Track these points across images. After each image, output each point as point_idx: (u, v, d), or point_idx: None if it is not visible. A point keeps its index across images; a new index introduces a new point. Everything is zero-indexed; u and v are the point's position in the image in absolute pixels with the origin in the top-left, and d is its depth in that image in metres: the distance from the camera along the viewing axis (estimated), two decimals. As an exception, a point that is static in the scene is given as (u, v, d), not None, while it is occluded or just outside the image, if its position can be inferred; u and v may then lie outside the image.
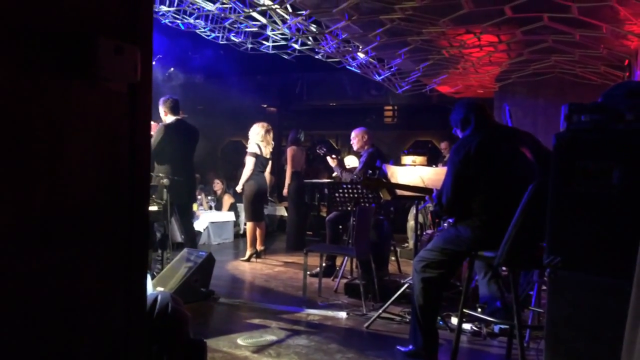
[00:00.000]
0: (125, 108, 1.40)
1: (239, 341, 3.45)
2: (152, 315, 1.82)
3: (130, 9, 1.38)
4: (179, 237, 6.32)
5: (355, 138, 5.75)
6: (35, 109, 1.20)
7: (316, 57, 6.55)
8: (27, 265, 1.17)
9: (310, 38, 5.70)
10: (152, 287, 3.15)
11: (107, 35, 1.31)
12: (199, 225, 7.78)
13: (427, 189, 3.44)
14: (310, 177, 9.31)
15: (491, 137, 3.08)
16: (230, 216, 8.47)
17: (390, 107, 12.28)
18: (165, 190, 4.71)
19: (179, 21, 5.93)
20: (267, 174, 6.82)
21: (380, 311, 3.96)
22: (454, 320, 3.71)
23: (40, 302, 1.21)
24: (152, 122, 5.34)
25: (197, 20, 5.86)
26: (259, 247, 6.67)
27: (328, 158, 5.83)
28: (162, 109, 5.28)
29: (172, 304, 1.97)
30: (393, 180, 3.74)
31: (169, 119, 5.24)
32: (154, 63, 9.24)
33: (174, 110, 5.28)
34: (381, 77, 6.87)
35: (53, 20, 1.24)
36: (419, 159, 5.16)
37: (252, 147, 6.54)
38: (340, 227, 5.84)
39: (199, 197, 8.63)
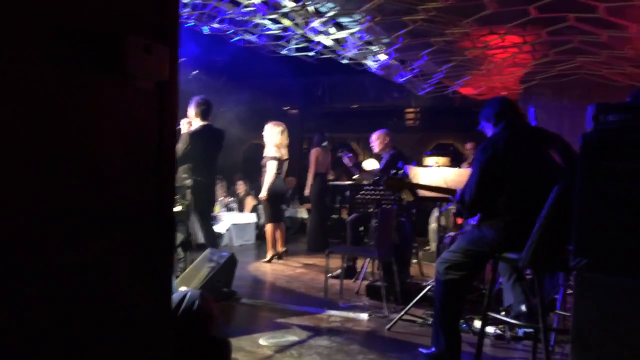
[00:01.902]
0: (153, 106, 1.42)
1: (261, 341, 3.46)
2: (177, 313, 1.85)
3: (158, 9, 1.40)
4: (201, 238, 6.37)
5: (377, 140, 5.73)
6: (69, 106, 1.23)
7: (339, 60, 6.55)
8: (59, 259, 1.19)
9: (332, 40, 5.70)
10: (175, 286, 3.18)
11: (136, 34, 1.33)
12: (221, 227, 7.84)
13: (450, 189, 3.41)
14: (332, 179, 9.32)
15: (520, 137, 3.05)
16: (252, 218, 8.53)
17: (412, 110, 12.21)
18: (188, 191, 4.76)
19: (202, 24, 6.00)
20: (283, 176, 6.81)
21: (402, 313, 3.94)
22: (477, 324, 3.67)
23: (71, 295, 1.23)
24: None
25: (221, 25, 5.91)
26: (279, 249, 6.69)
27: (345, 157, 5.83)
28: (193, 110, 5.24)
29: (199, 302, 1.99)
30: (415, 182, 3.72)
31: (196, 123, 5.22)
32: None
33: (204, 114, 5.25)
34: (403, 79, 6.85)
35: (85, 19, 1.27)
36: (442, 160, 5.14)
37: (270, 150, 6.50)
38: (362, 228, 5.83)
39: (221, 198, 8.71)
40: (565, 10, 4.16)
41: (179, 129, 5.18)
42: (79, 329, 1.25)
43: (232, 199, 8.94)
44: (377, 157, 6.14)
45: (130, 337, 1.39)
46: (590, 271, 2.22)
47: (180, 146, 5.03)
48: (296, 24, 5.18)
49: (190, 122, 5.21)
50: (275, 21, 5.46)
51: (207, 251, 4.75)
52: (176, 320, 1.77)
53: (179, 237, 5.37)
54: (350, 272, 5.67)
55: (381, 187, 4.89)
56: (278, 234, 6.68)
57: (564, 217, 2.40)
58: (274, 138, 6.52)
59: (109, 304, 1.33)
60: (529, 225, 2.72)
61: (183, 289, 4.27)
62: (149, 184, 1.42)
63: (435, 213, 6.26)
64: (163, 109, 1.45)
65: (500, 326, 3.69)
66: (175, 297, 2.02)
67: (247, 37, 6.20)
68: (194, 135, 5.10)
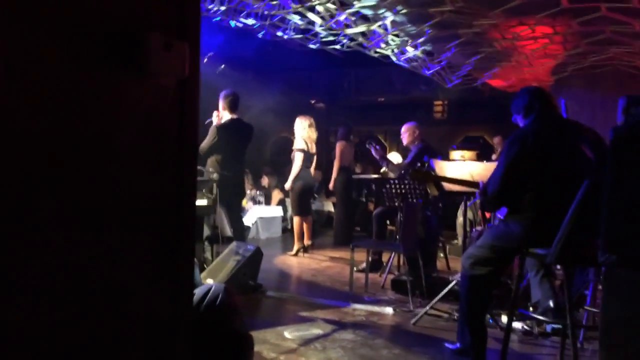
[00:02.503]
0: (174, 103, 1.44)
1: (286, 334, 3.49)
2: (200, 307, 1.87)
3: (178, 6, 1.42)
4: (228, 231, 6.44)
5: (406, 132, 5.70)
6: (90, 101, 1.25)
7: (365, 52, 6.52)
8: (75, 252, 1.22)
9: (358, 33, 5.67)
10: (200, 280, 3.22)
11: (157, 31, 1.35)
12: (248, 219, 7.92)
13: (476, 182, 3.37)
14: (358, 172, 9.31)
15: (550, 130, 2.98)
16: (278, 211, 8.58)
17: (439, 102, 12.06)
18: (215, 184, 4.82)
19: (230, 20, 6.03)
20: (312, 169, 6.84)
21: (428, 307, 3.92)
22: (504, 319, 3.62)
23: (88, 288, 1.26)
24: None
25: (248, 19, 5.94)
26: (306, 242, 6.72)
27: (372, 149, 5.81)
28: (221, 103, 5.31)
29: (223, 296, 2.01)
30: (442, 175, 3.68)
31: (225, 116, 5.28)
32: (205, 61, 9.47)
33: (232, 107, 5.29)
34: (430, 72, 6.77)
35: (106, 17, 1.29)
36: (468, 154, 5.07)
37: (298, 142, 6.58)
38: (388, 222, 5.80)
39: (248, 192, 8.78)
40: (596, 0, 4.05)
41: (210, 122, 5.25)
42: (95, 322, 1.29)
43: (259, 192, 9.00)
44: (406, 149, 6.10)
45: (149, 331, 1.41)
46: (619, 267, 2.17)
47: (208, 139, 5.10)
48: (322, 17, 5.17)
49: (220, 115, 5.26)
50: (301, 15, 5.46)
51: (233, 244, 4.80)
52: (198, 314, 1.80)
53: (206, 230, 5.46)
54: (376, 265, 5.67)
55: (407, 181, 4.85)
56: (305, 227, 6.71)
57: (593, 212, 2.34)
58: (301, 131, 6.60)
59: (127, 298, 1.35)
60: (556, 220, 2.67)
61: (210, 282, 4.35)
62: (170, 179, 1.44)
63: (463, 207, 6.19)
64: (184, 105, 1.46)
65: (528, 322, 3.64)
66: (199, 291, 2.05)
67: (274, 31, 6.22)
68: (222, 128, 5.15)
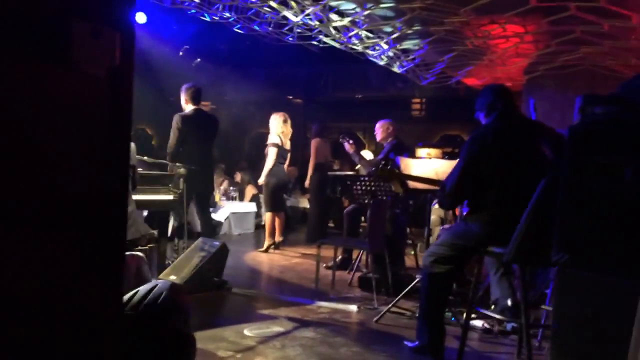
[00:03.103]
0: (104, 93, 1.38)
1: (246, 331, 3.44)
2: (140, 305, 1.82)
3: (106, -9, 1.36)
4: (199, 227, 6.37)
5: (380, 129, 5.69)
6: (10, 92, 1.19)
7: (341, 49, 6.48)
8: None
9: (331, 29, 5.63)
10: (149, 277, 3.12)
11: (82, 18, 1.29)
12: (220, 215, 7.85)
13: (439, 181, 3.36)
14: (335, 169, 9.27)
15: (510, 129, 2.98)
16: (251, 207, 8.52)
17: (417, 100, 12.10)
18: (182, 179, 4.74)
19: (203, 12, 5.95)
20: (285, 165, 6.79)
21: (390, 306, 3.90)
22: (466, 318, 3.62)
23: (14, 291, 1.20)
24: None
25: (223, 12, 5.86)
26: (277, 238, 6.68)
27: (345, 143, 5.78)
28: (183, 97, 5.26)
29: (167, 294, 1.95)
30: (406, 173, 3.66)
31: (188, 107, 5.24)
32: (180, 54, 9.33)
33: (194, 99, 5.26)
34: (404, 69, 6.76)
35: (27, 2, 1.22)
36: (434, 151, 5.07)
37: (273, 138, 6.54)
38: (363, 219, 5.78)
39: (221, 187, 8.71)
40: (566, -1, 4.07)
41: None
42: (22, 324, 1.23)
43: (232, 187, 8.92)
44: (380, 146, 6.08)
45: (76, 330, 1.36)
46: (572, 267, 2.17)
47: (173, 130, 5.03)
48: (294, 13, 5.12)
49: (183, 108, 5.22)
50: (274, 9, 5.40)
51: (199, 240, 4.73)
52: (137, 312, 1.74)
53: (173, 225, 5.38)
54: (346, 263, 5.65)
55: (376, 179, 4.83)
56: (277, 223, 6.67)
57: (550, 212, 2.34)
58: (276, 127, 6.57)
59: (52, 297, 1.30)
60: (515, 219, 2.67)
61: (173, 278, 4.28)
62: (99, 175, 1.38)
63: (435, 204, 6.21)
64: (116, 97, 1.40)
65: (489, 320, 3.65)
66: (143, 288, 1.99)
67: (249, 24, 6.15)
68: (185, 118, 5.08)
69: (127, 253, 2.72)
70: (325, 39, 6.13)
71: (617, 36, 4.73)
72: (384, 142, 5.74)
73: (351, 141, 5.90)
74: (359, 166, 6.56)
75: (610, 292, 2.07)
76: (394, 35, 5.48)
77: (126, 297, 1.97)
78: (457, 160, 3.01)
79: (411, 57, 6.44)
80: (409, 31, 5.20)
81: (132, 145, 3.74)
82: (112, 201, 1.42)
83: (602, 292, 2.09)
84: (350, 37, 5.73)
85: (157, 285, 2.02)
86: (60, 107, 1.31)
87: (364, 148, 10.81)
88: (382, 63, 6.73)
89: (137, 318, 1.72)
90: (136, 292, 1.96)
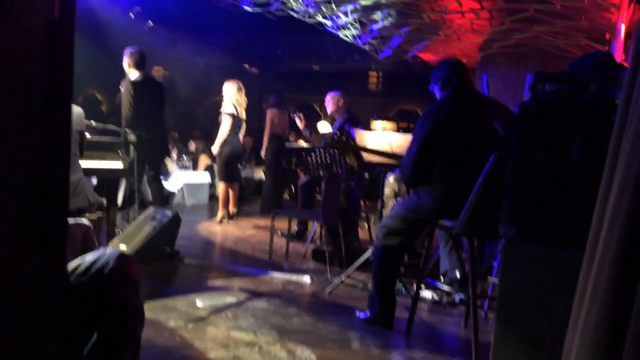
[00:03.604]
0: (42, 49, 1.29)
1: (198, 302, 3.41)
2: (85, 274, 1.75)
3: (44, -61, 1.26)
4: (151, 196, 6.22)
5: (330, 101, 5.65)
6: None
7: (297, 17, 6.37)
8: None
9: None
10: (95, 245, 3.04)
11: (17, -33, 1.19)
12: (173, 185, 7.70)
13: (395, 155, 3.38)
14: (291, 140, 9.21)
15: (464, 104, 3.01)
16: (205, 177, 8.38)
17: (374, 74, 12.12)
18: (132, 146, 4.59)
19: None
20: (241, 135, 6.69)
21: (343, 277, 3.94)
22: (416, 289, 3.70)
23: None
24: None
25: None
26: (231, 209, 6.62)
27: (296, 118, 5.74)
28: (126, 61, 5.06)
29: (114, 264, 1.89)
30: (361, 145, 3.66)
31: (133, 73, 5.03)
32: (131, 16, 8.95)
33: (139, 64, 5.06)
34: (362, 42, 6.72)
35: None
36: (389, 124, 5.10)
37: (227, 106, 6.38)
38: (318, 190, 5.78)
39: (174, 155, 8.51)
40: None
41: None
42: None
43: (186, 157, 8.74)
44: (332, 119, 6.06)
45: (14, 301, 1.29)
46: (518, 240, 2.23)
47: (125, 95, 4.86)
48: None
49: (127, 72, 5.03)
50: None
51: (150, 209, 4.62)
52: (81, 283, 1.68)
53: (124, 193, 5.23)
54: (301, 235, 5.67)
55: (332, 151, 4.83)
56: (231, 194, 6.59)
57: (499, 186, 2.39)
58: (230, 95, 6.40)
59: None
60: (465, 193, 2.71)
61: (123, 247, 4.18)
62: (36, 139, 1.30)
63: (388, 178, 6.28)
64: (54, 52, 1.31)
65: (438, 292, 3.74)
66: (89, 258, 1.92)
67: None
68: (135, 85, 4.90)
69: (73, 221, 2.63)
70: (283, 7, 6.01)
71: (568, 16, 4.83)
72: (335, 116, 5.71)
73: (301, 115, 5.85)
74: (308, 138, 6.52)
75: (555, 265, 2.14)
76: (351, 6, 5.42)
77: (71, 266, 1.90)
78: (412, 135, 3.03)
79: (368, 29, 6.39)
80: (368, 2, 5.15)
81: (79, 109, 3.58)
82: (51, 167, 1.34)
83: (547, 266, 2.16)
84: (307, 7, 5.63)
85: (104, 254, 1.95)
86: (-6, 63, 1.22)
87: (320, 119, 10.77)
88: (340, 34, 6.65)
89: (82, 288, 1.66)
90: (82, 261, 1.90)
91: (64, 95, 1.37)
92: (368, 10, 5.53)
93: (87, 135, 4.02)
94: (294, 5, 5.74)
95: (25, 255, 1.33)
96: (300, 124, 5.73)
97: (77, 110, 3.52)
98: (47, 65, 1.31)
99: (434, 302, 3.75)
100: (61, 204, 1.40)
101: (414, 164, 2.93)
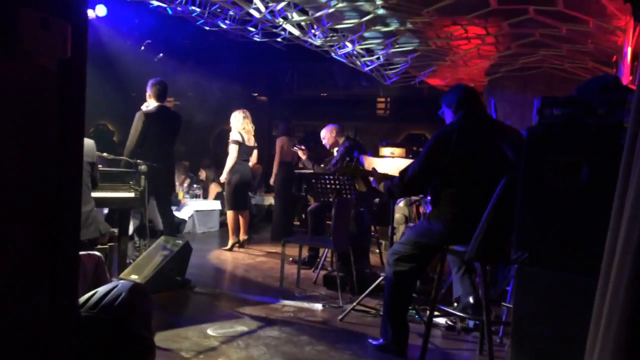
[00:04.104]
0: (54, 86, 1.32)
1: (209, 331, 3.39)
2: (97, 306, 1.76)
3: (58, -18, 1.30)
4: (162, 225, 6.24)
5: (325, 137, 5.72)
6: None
7: (306, 46, 6.46)
8: None
9: (295, 25, 5.60)
10: (108, 278, 3.04)
11: (31, 7, 1.23)
12: (184, 213, 7.73)
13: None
14: (300, 167, 9.24)
15: (475, 129, 3.02)
16: (216, 205, 8.41)
17: (382, 99, 12.19)
18: (142, 177, 4.63)
19: (166, 5, 5.82)
20: (251, 163, 6.73)
21: (355, 304, 3.91)
22: (429, 315, 3.66)
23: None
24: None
25: (186, 6, 5.76)
26: (242, 237, 6.62)
27: (298, 150, 5.78)
28: (148, 91, 5.16)
29: (125, 296, 1.90)
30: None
31: (151, 103, 5.13)
32: (142, 48, 9.12)
33: (159, 96, 5.14)
34: (369, 68, 6.79)
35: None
36: (398, 150, 5.11)
37: (234, 135, 6.46)
38: (328, 216, 5.77)
39: (185, 184, 8.57)
40: (525, 2, 4.15)
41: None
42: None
43: (196, 185, 8.79)
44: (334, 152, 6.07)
45: (24, 334, 1.30)
46: (530, 265, 2.21)
47: (135, 126, 4.93)
48: (256, 9, 5.06)
49: (147, 104, 5.11)
50: (238, 5, 5.33)
51: (161, 239, 4.64)
52: (92, 315, 1.69)
53: (134, 223, 5.26)
54: (312, 261, 5.65)
55: (341, 177, 4.84)
56: (241, 221, 6.60)
57: (510, 211, 2.38)
58: (237, 123, 6.49)
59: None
60: (476, 218, 2.71)
61: (134, 277, 4.19)
62: (48, 173, 1.33)
63: (399, 203, 6.26)
64: (67, 90, 1.35)
65: (452, 317, 3.69)
66: (102, 290, 1.93)
67: (213, 20, 6.06)
68: (148, 116, 4.97)
69: (85, 253, 2.64)
70: (290, 37, 6.10)
71: (574, 40, 4.86)
72: (335, 147, 5.74)
73: (303, 147, 5.90)
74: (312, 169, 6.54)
75: (569, 290, 2.12)
76: (358, 34, 5.49)
77: (84, 297, 1.91)
78: (421, 152, 3.04)
79: (375, 56, 6.46)
80: (373, 30, 5.22)
81: (91, 141, 3.64)
82: (64, 200, 1.36)
83: (560, 290, 2.14)
84: (314, 35, 5.71)
85: (116, 286, 1.96)
86: (6, 99, 1.25)
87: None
88: (346, 62, 6.73)
89: (94, 320, 1.66)
90: (94, 293, 1.91)
91: (76, 130, 1.41)
92: (375, 38, 5.61)
93: (99, 166, 4.07)
94: (300, 34, 5.82)
95: (36, 287, 1.34)
96: (302, 155, 5.78)
97: (88, 142, 3.58)
98: (60, 101, 1.34)
99: (447, 328, 3.70)
100: (72, 237, 1.42)
101: (411, 179, 2.96)
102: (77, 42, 1.34)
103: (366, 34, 5.38)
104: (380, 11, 4.53)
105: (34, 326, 1.33)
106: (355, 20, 4.97)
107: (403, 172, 3.03)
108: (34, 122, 1.30)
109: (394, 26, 5.04)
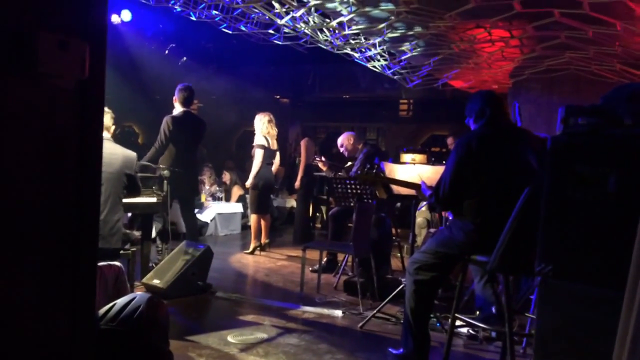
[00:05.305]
0: (73, 106, 1.34)
1: (229, 338, 3.41)
2: (116, 319, 1.78)
3: (76, 3, 1.31)
4: (184, 228, 6.30)
5: (343, 145, 5.69)
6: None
7: (326, 49, 6.45)
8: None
9: (317, 31, 5.60)
10: (128, 289, 3.07)
11: (49, 29, 1.25)
12: (206, 216, 7.79)
13: (417, 184, 3.34)
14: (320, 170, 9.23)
15: (496, 137, 2.96)
16: (238, 207, 8.46)
17: (405, 101, 12.09)
18: (165, 181, 4.69)
19: (190, 10, 5.88)
20: (275, 166, 6.75)
21: (375, 311, 3.89)
22: (450, 323, 3.61)
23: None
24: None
25: (209, 11, 5.81)
26: (263, 240, 6.64)
27: (318, 163, 5.77)
28: (175, 96, 5.25)
29: (143, 309, 1.92)
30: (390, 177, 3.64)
31: (177, 109, 5.21)
32: (166, 52, 9.23)
33: (185, 102, 5.22)
34: (391, 71, 6.74)
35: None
36: (419, 157, 5.05)
37: (258, 139, 6.46)
38: (349, 220, 5.75)
39: (208, 187, 8.64)
40: (550, 5, 4.06)
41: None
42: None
43: (218, 188, 8.85)
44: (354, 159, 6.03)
45: (44, 350, 1.32)
46: (554, 277, 2.16)
47: (161, 131, 5.00)
48: (276, 15, 5.07)
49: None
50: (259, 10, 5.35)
51: (183, 244, 4.68)
52: (111, 327, 1.70)
53: (157, 227, 5.32)
54: (331, 265, 5.63)
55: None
56: (263, 225, 6.62)
57: (534, 221, 2.33)
58: (261, 127, 6.48)
59: (17, 315, 1.25)
60: (499, 227, 2.66)
61: (156, 282, 4.23)
62: (68, 187, 1.34)
63: (421, 207, 6.21)
64: (85, 109, 1.36)
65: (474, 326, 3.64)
66: (120, 302, 1.96)
67: (236, 24, 6.10)
68: (175, 120, 5.03)
69: (105, 263, 2.68)
70: (312, 40, 6.09)
71: (601, 42, 4.74)
72: (353, 154, 5.69)
73: (323, 159, 5.88)
74: (349, 163, 6.52)
75: (594, 303, 2.06)
76: (379, 39, 5.45)
77: (103, 309, 1.93)
78: (444, 166, 3.00)
79: (397, 59, 6.42)
80: (395, 34, 5.18)
81: (133, 154, 3.80)
82: (82, 216, 1.38)
83: (586, 304, 2.09)
84: (336, 39, 5.70)
85: (134, 298, 1.98)
86: (26, 121, 1.27)
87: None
88: (368, 65, 6.70)
89: (112, 332, 1.68)
90: (113, 305, 1.93)
91: (95, 142, 1.42)
92: (396, 42, 5.57)
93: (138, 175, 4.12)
94: (322, 38, 5.81)
95: (56, 303, 1.36)
96: (322, 167, 5.77)
97: (129, 154, 3.72)
98: (78, 120, 1.36)
99: (469, 337, 3.65)
100: (91, 252, 1.43)
101: (449, 192, 2.88)
102: (95, 62, 1.35)
103: (387, 37, 5.34)
104: (401, 16, 4.50)
105: (54, 342, 1.35)
106: (376, 24, 4.94)
107: (436, 190, 2.99)
108: (53, 141, 1.32)
109: (416, 30, 4.99)
